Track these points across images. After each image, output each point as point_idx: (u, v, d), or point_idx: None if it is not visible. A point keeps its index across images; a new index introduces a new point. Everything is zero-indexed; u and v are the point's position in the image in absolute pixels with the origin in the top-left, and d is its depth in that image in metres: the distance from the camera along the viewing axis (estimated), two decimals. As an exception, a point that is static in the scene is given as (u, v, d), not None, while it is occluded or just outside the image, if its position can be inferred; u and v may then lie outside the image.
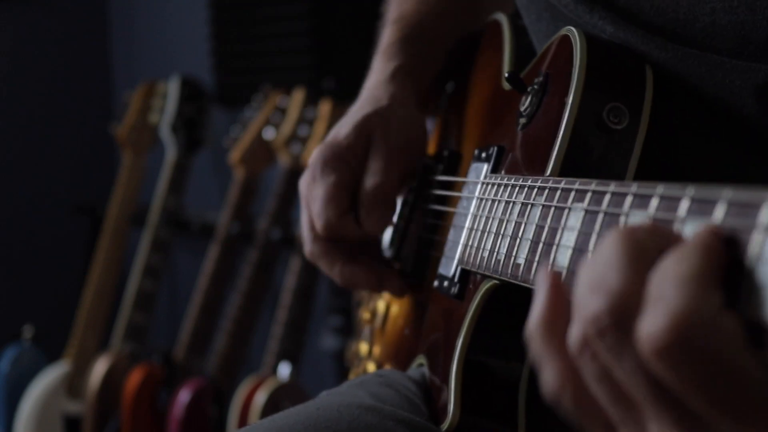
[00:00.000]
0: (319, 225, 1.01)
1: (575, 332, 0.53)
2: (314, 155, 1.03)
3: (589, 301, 0.52)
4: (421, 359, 0.96)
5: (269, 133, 2.80)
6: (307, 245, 1.05)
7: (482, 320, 0.83)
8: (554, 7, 0.90)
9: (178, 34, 3.77)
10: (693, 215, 0.52)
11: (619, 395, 0.53)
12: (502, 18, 1.06)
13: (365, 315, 1.18)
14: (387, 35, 1.12)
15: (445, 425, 0.84)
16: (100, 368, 2.99)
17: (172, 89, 3.20)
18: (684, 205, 0.53)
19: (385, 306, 1.14)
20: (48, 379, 3.10)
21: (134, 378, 2.83)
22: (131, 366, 2.91)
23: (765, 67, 0.76)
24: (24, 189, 3.87)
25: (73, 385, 3.11)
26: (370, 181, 1.01)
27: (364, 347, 1.18)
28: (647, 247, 0.52)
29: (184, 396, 2.66)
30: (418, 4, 1.13)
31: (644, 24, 0.81)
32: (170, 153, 3.14)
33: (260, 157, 2.85)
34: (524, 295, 0.83)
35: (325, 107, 2.66)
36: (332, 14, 3.05)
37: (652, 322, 0.48)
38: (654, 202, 0.56)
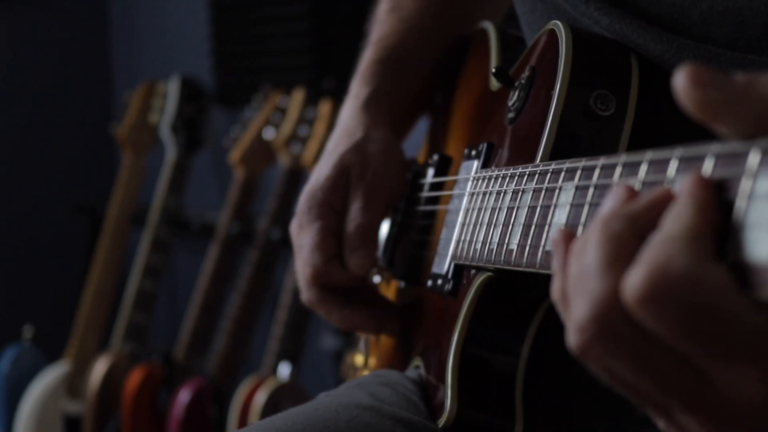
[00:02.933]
0: (308, 273, 1.02)
1: (572, 341, 0.55)
2: (300, 202, 1.04)
3: (575, 306, 0.54)
4: (417, 361, 0.96)
5: (269, 133, 2.80)
6: (303, 293, 1.06)
7: (477, 313, 0.84)
8: None
9: (178, 34, 3.77)
10: (682, 173, 0.53)
11: (633, 391, 0.55)
12: (489, 26, 1.07)
13: None
14: (365, 57, 1.12)
15: (443, 420, 0.84)
16: (100, 368, 2.99)
17: (172, 89, 3.20)
18: (673, 165, 0.54)
19: None
20: (48, 379, 3.10)
21: (134, 378, 2.82)
22: (131, 366, 2.91)
23: (760, 59, 0.76)
24: (24, 189, 3.87)
25: (73, 385, 3.11)
26: (351, 223, 1.02)
27: (359, 358, 1.18)
28: (627, 243, 0.52)
29: (184, 396, 2.66)
30: (398, 23, 1.13)
31: (640, 13, 0.81)
32: (170, 153, 3.14)
33: (260, 157, 2.85)
34: (518, 288, 0.83)
35: (325, 107, 2.66)
36: (332, 14, 3.06)
37: (635, 275, 0.50)
38: (643, 168, 0.57)
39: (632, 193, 0.55)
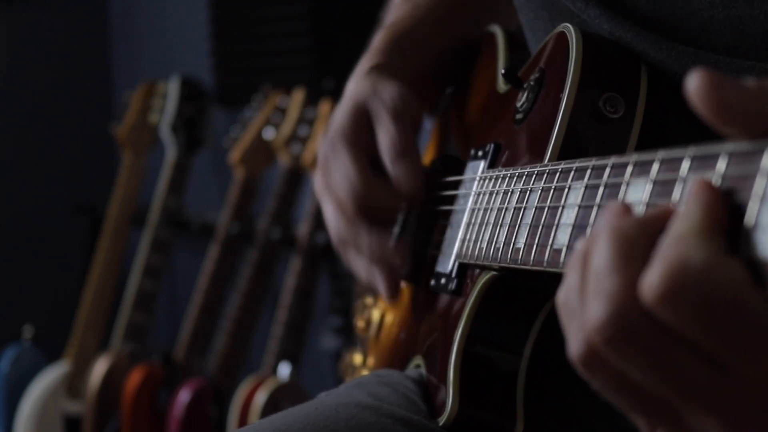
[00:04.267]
0: (346, 196, 0.95)
1: (576, 344, 0.54)
2: (321, 145, 1.00)
3: (588, 310, 0.53)
4: (417, 360, 0.96)
5: (269, 133, 2.80)
6: (335, 232, 0.98)
7: (481, 312, 0.83)
8: (552, 5, 0.90)
9: (178, 34, 3.77)
10: (695, 172, 0.53)
11: (642, 398, 0.54)
12: (497, 29, 1.07)
13: (360, 324, 1.18)
14: (375, 39, 1.11)
15: (443, 418, 0.84)
16: (100, 368, 2.99)
17: (172, 89, 3.20)
18: (685, 165, 0.54)
19: (380, 315, 1.14)
20: (48, 379, 3.10)
21: (134, 378, 2.83)
22: (131, 366, 2.91)
23: (759, 65, 0.76)
24: (24, 189, 3.87)
25: (73, 385, 3.11)
26: (384, 137, 0.96)
27: (358, 358, 1.18)
28: (638, 243, 0.52)
29: (184, 396, 2.66)
30: (411, 10, 1.12)
31: (640, 20, 0.81)
32: (170, 153, 3.14)
33: (260, 157, 2.85)
34: (522, 287, 0.83)
35: (325, 107, 2.66)
36: (332, 14, 3.06)
37: (652, 274, 0.50)
38: (655, 167, 0.57)
39: (628, 210, 0.55)
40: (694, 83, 0.50)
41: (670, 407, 0.53)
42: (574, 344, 0.54)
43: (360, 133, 0.97)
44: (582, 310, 0.54)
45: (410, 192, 0.95)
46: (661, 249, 0.51)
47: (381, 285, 0.97)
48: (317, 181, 1.00)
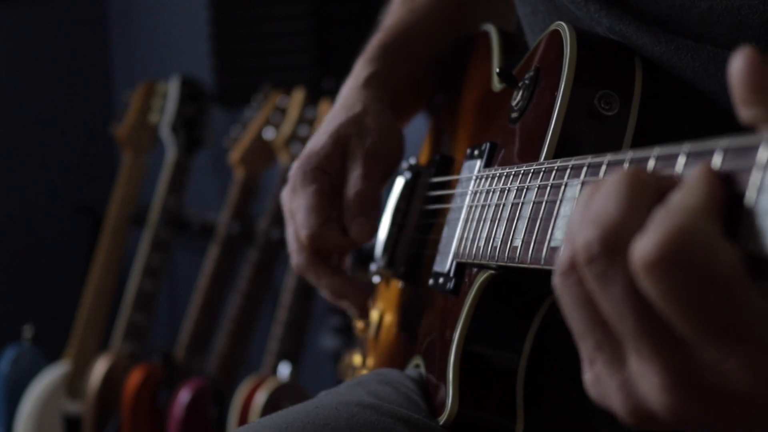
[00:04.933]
0: (303, 235, 1.01)
1: (563, 256, 0.54)
2: (293, 167, 1.04)
3: (583, 229, 0.53)
4: (417, 360, 0.96)
5: (269, 133, 2.80)
6: (294, 258, 1.05)
7: (479, 311, 0.84)
8: (550, 1, 0.90)
9: (178, 34, 3.77)
10: (691, 168, 0.53)
11: (597, 324, 0.54)
12: (491, 28, 1.07)
13: (359, 325, 1.18)
14: (372, 41, 1.12)
15: (443, 417, 0.84)
16: (100, 368, 2.99)
17: (172, 89, 3.20)
18: (681, 161, 0.54)
19: (379, 315, 1.14)
20: (48, 379, 3.10)
21: (134, 378, 2.82)
22: (131, 366, 2.91)
23: None
24: (24, 189, 3.87)
25: (73, 385, 3.11)
26: (352, 188, 1.01)
27: (357, 358, 1.18)
28: (648, 185, 0.53)
29: (184, 396, 2.66)
30: (407, 13, 1.14)
31: (639, 13, 0.81)
32: (170, 153, 3.14)
33: (260, 157, 2.85)
34: (520, 286, 0.83)
35: (325, 107, 2.66)
36: (332, 14, 3.06)
37: (647, 240, 0.49)
38: (651, 163, 0.57)
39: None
40: (738, 64, 0.50)
41: (621, 347, 0.53)
42: (561, 254, 0.55)
43: (330, 167, 1.02)
44: (579, 226, 0.54)
45: (362, 243, 1.03)
46: (658, 217, 0.50)
47: (348, 310, 1.07)
48: (284, 199, 1.05)
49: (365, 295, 1.06)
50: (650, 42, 0.80)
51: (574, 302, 0.54)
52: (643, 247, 0.49)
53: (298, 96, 2.76)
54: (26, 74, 3.89)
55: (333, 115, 1.06)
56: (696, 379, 0.51)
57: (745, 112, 0.50)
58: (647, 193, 0.52)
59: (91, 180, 3.92)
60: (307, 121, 2.71)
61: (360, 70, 1.09)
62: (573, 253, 0.53)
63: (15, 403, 3.11)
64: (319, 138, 1.04)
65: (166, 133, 3.16)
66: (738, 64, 0.50)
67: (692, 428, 0.53)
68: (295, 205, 1.02)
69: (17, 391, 3.12)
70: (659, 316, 0.51)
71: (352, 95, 1.07)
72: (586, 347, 0.55)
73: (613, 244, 0.52)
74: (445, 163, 1.04)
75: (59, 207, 3.84)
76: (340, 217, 1.02)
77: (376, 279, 1.16)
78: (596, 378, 0.55)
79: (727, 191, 0.50)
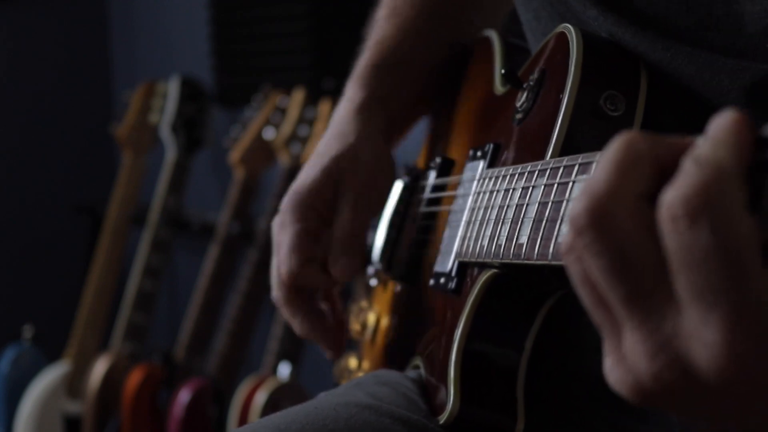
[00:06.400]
0: (283, 271, 1.02)
1: (566, 236, 0.54)
2: (285, 201, 1.04)
3: (575, 201, 0.53)
4: (416, 360, 0.96)
5: (269, 133, 2.80)
6: (273, 290, 1.06)
7: (481, 310, 0.84)
8: (551, 5, 0.90)
9: (178, 34, 3.77)
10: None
11: (599, 301, 0.53)
12: (492, 34, 1.07)
13: (355, 327, 1.18)
14: (362, 60, 1.11)
15: (444, 417, 0.84)
16: (100, 368, 2.99)
17: (172, 89, 3.20)
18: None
19: (375, 318, 1.14)
20: (48, 379, 3.10)
21: (134, 378, 2.83)
22: (131, 366, 2.91)
23: (753, 65, 0.76)
24: (24, 189, 3.87)
25: (73, 385, 3.11)
26: (339, 230, 1.02)
27: (353, 361, 1.17)
28: (642, 154, 0.52)
29: (184, 396, 2.66)
30: (394, 28, 1.12)
31: (636, 17, 0.81)
32: (170, 153, 3.14)
33: (260, 157, 2.85)
34: (523, 285, 0.83)
35: (325, 107, 2.66)
36: (332, 14, 3.06)
37: (675, 192, 0.48)
38: None
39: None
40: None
41: (617, 324, 0.53)
42: (579, 199, 0.54)
43: (321, 204, 1.03)
44: (577, 198, 0.54)
45: (344, 282, 1.05)
46: (687, 167, 0.49)
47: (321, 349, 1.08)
48: (274, 230, 1.06)
49: (338, 336, 1.07)
50: (649, 48, 0.80)
51: (578, 281, 0.54)
52: (672, 199, 0.48)
53: (298, 96, 2.77)
54: (26, 74, 3.89)
55: (326, 144, 1.06)
56: (674, 346, 0.50)
57: None
58: (642, 162, 0.52)
59: (91, 180, 3.92)
60: (307, 121, 2.71)
61: (353, 93, 1.09)
62: (571, 225, 0.53)
63: (15, 403, 3.11)
64: (311, 170, 1.05)
65: (166, 133, 3.16)
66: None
67: (678, 407, 0.52)
68: (280, 240, 1.03)
69: (17, 391, 3.12)
70: (647, 286, 0.50)
71: (346, 122, 1.07)
72: (599, 327, 0.55)
73: (599, 215, 0.51)
74: (445, 166, 1.04)
75: (59, 207, 3.84)
76: (325, 255, 1.03)
77: (373, 282, 1.16)
78: (606, 359, 0.54)
79: (756, 154, 0.48)
